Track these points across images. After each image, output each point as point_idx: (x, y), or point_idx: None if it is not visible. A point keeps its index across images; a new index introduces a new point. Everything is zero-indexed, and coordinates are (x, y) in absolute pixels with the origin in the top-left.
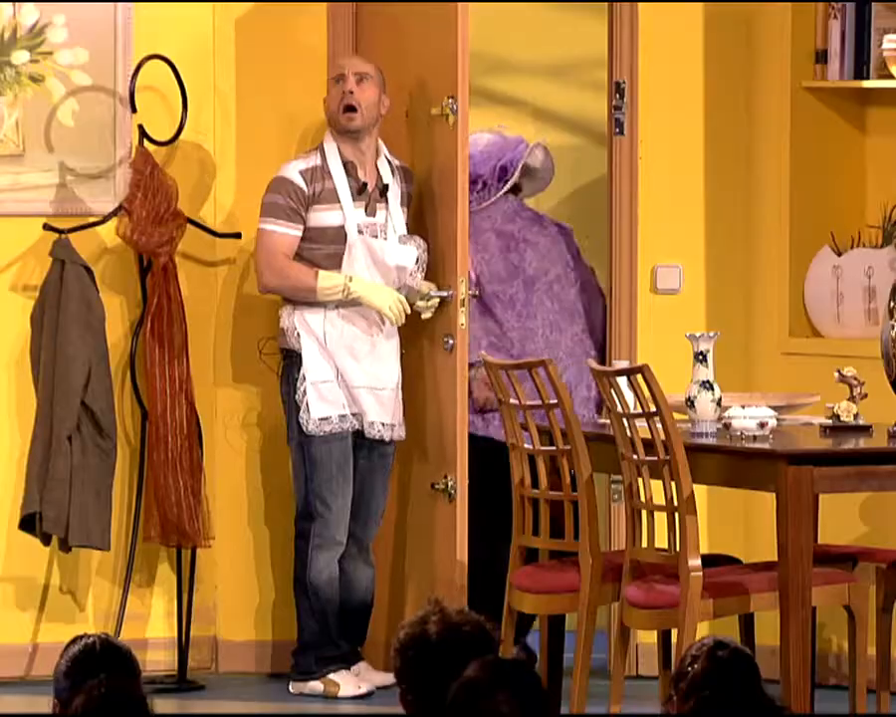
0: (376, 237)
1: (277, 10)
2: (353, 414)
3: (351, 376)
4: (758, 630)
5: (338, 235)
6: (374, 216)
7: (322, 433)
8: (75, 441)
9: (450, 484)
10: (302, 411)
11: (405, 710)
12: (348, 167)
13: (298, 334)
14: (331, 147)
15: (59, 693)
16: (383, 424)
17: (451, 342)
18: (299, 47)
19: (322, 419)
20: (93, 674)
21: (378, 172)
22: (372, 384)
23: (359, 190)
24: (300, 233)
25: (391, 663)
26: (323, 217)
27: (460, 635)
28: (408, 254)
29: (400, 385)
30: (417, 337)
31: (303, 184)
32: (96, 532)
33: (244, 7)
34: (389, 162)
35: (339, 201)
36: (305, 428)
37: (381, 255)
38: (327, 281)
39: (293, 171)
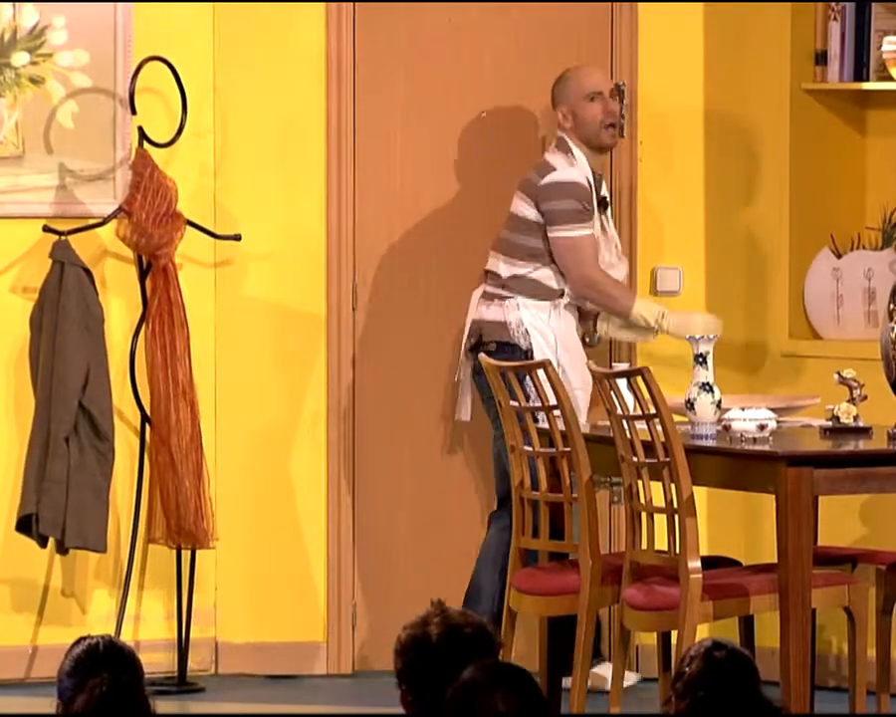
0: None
1: (276, 11)
2: None
3: (571, 376)
4: (758, 632)
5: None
6: (602, 230)
7: None
8: (72, 443)
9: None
10: None
11: (406, 711)
12: (593, 181)
13: (525, 330)
14: (583, 162)
15: (62, 694)
16: None
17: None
18: (298, 48)
19: None
20: (96, 675)
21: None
22: (585, 386)
23: (602, 204)
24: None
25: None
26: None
27: (461, 637)
28: (622, 270)
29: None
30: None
31: (593, 190)
32: (92, 534)
33: (243, 8)
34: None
35: (595, 213)
36: None
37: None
38: (643, 309)
39: (581, 176)
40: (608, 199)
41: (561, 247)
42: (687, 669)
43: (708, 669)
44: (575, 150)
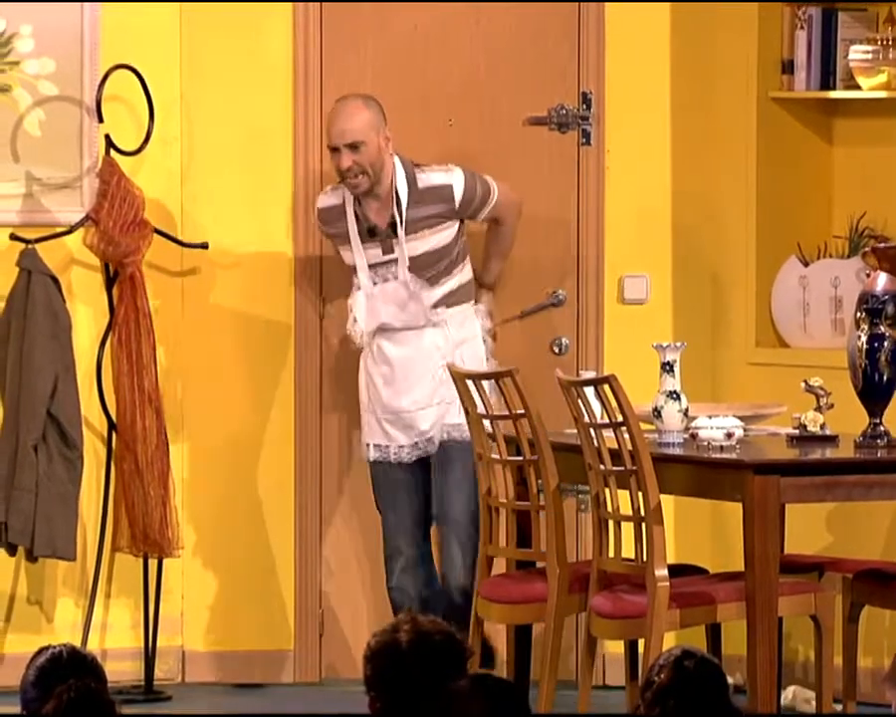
0: (387, 280)
1: (243, 19)
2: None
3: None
4: (724, 640)
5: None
6: (393, 252)
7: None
8: (41, 451)
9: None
10: None
11: None
12: (359, 210)
13: None
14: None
15: (27, 704)
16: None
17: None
18: (265, 55)
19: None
20: (61, 682)
21: (393, 206)
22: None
23: (370, 232)
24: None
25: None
26: (345, 256)
27: (431, 644)
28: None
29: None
30: (519, 342)
31: (322, 224)
32: (61, 542)
33: (210, 16)
34: (412, 187)
35: (351, 244)
36: None
37: (399, 296)
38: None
39: (316, 208)
40: (397, 225)
41: None
42: (657, 678)
43: (678, 679)
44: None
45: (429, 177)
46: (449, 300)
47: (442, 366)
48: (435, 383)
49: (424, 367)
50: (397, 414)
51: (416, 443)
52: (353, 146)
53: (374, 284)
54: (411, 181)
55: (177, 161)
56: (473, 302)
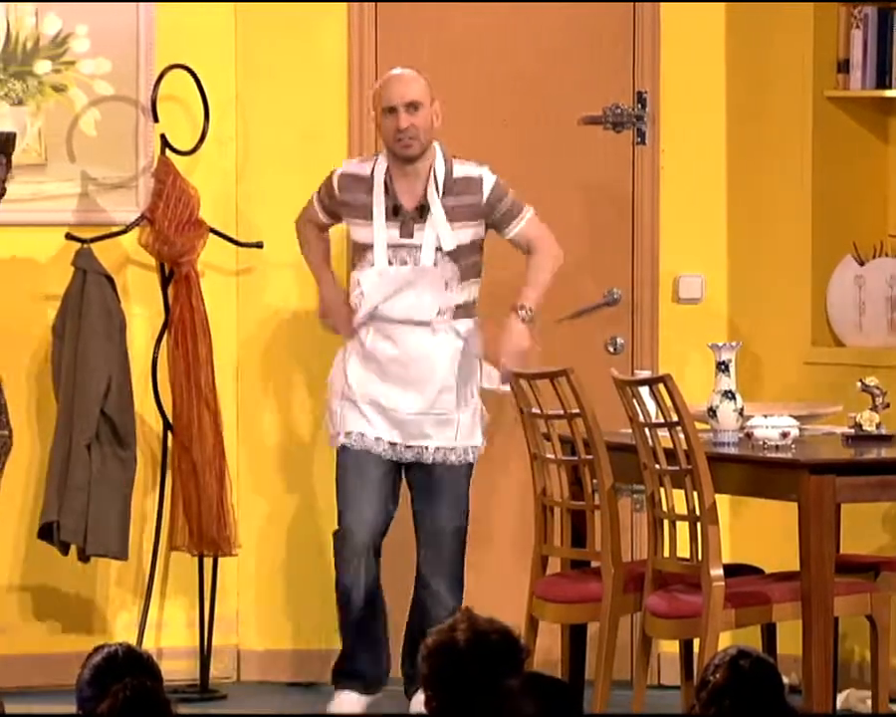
0: (406, 264)
1: (297, 17)
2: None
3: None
4: (780, 640)
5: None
6: (412, 237)
7: None
8: (94, 450)
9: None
10: None
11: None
12: (389, 185)
13: None
14: (382, 164)
15: (83, 702)
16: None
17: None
18: (320, 54)
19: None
20: (117, 681)
21: (426, 190)
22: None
23: (394, 210)
24: (325, 220)
25: (419, 669)
26: (357, 232)
27: (488, 643)
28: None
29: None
30: (574, 341)
31: (336, 189)
32: (114, 541)
33: (265, 15)
34: (448, 175)
35: (372, 219)
36: None
37: (415, 282)
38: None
39: (339, 171)
40: (426, 209)
41: None
42: (712, 678)
43: (733, 677)
44: (381, 156)
45: (463, 167)
46: (456, 312)
47: (446, 375)
48: (435, 389)
49: (417, 370)
50: (382, 408)
51: (396, 445)
52: (413, 106)
53: (390, 264)
54: (448, 169)
55: (232, 161)
56: (474, 320)
